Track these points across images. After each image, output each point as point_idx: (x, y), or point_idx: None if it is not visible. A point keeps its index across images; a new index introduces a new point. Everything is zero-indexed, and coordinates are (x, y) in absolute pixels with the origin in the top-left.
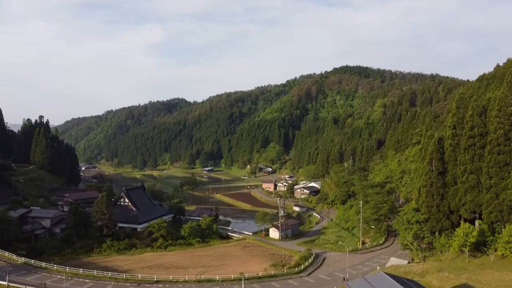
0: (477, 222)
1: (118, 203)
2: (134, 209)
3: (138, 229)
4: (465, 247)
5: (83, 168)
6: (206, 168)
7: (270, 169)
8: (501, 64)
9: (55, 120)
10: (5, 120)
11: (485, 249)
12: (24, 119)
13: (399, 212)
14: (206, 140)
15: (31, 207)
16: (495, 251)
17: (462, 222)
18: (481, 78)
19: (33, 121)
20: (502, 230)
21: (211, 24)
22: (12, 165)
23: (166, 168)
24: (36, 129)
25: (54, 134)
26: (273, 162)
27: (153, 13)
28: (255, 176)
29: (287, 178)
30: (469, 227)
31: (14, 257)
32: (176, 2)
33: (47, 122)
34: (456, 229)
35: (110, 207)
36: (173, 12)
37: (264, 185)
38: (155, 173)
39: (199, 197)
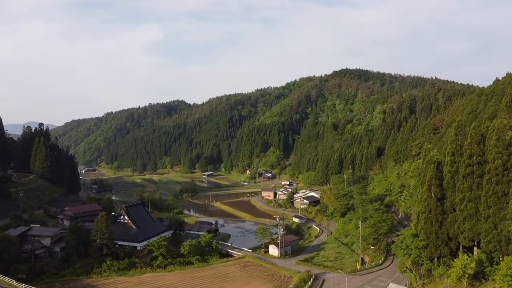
0: (475, 251)
1: (118, 220)
2: (134, 226)
3: (138, 248)
4: (464, 278)
5: (83, 171)
6: (206, 173)
7: (269, 175)
8: (500, 77)
9: (55, 121)
10: (6, 121)
11: (484, 280)
12: (24, 126)
13: (399, 234)
14: (206, 144)
15: (31, 225)
16: (493, 280)
17: (461, 249)
18: (480, 93)
19: (32, 127)
20: (500, 260)
21: (209, 23)
22: (12, 172)
23: (166, 172)
24: (36, 137)
25: (54, 142)
26: (272, 167)
27: (151, 12)
28: (254, 181)
29: (287, 186)
30: (467, 259)
31: (15, 283)
32: (174, 1)
33: (47, 129)
34: (455, 260)
35: (109, 227)
36: (171, 11)
37: (264, 193)
38: (155, 177)
39: (199, 205)
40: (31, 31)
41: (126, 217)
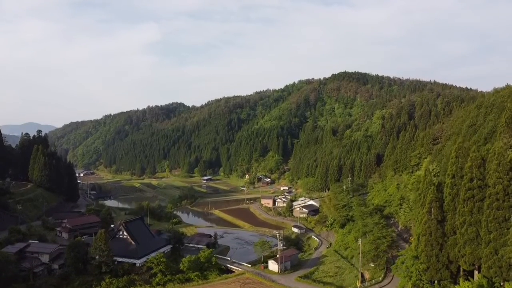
0: (476, 275)
1: (117, 236)
2: (133, 242)
3: (137, 264)
4: None
5: (81, 175)
6: (205, 177)
7: (269, 180)
8: (497, 86)
9: (54, 122)
10: (4, 121)
11: None
12: (22, 133)
13: (399, 255)
14: (204, 148)
15: (30, 241)
16: None
17: (461, 273)
18: (480, 105)
19: (31, 127)
20: (502, 286)
21: (207, 22)
22: (10, 180)
23: (164, 175)
24: (34, 145)
25: (52, 149)
26: (271, 171)
27: (148, 11)
28: (253, 187)
29: (286, 193)
30: (468, 286)
31: None
32: (171, 0)
33: (45, 136)
34: (455, 286)
35: (108, 243)
36: (168, 10)
37: (263, 201)
38: (154, 181)
39: (198, 213)
40: (28, 30)
41: (125, 233)
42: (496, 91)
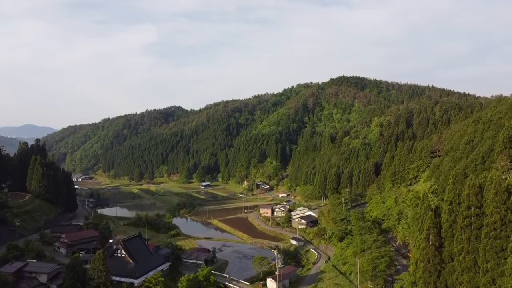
0: None
1: (115, 254)
2: (131, 261)
3: (136, 284)
4: None
5: (80, 179)
6: (203, 183)
7: (267, 186)
8: (496, 93)
9: (52, 123)
10: (2, 123)
11: None
12: (20, 142)
13: (397, 278)
14: (203, 153)
15: (28, 260)
16: None
17: None
18: (477, 121)
19: (29, 129)
20: None
21: (204, 23)
22: (8, 191)
23: (163, 181)
24: (32, 156)
25: (50, 160)
26: (270, 178)
27: (144, 12)
28: (252, 193)
29: (285, 203)
30: None
31: None
32: (168, 1)
33: (44, 145)
34: None
35: (106, 262)
36: (165, 11)
37: (261, 210)
38: (152, 187)
39: (196, 222)
40: (25, 31)
41: (123, 252)
42: (494, 106)
